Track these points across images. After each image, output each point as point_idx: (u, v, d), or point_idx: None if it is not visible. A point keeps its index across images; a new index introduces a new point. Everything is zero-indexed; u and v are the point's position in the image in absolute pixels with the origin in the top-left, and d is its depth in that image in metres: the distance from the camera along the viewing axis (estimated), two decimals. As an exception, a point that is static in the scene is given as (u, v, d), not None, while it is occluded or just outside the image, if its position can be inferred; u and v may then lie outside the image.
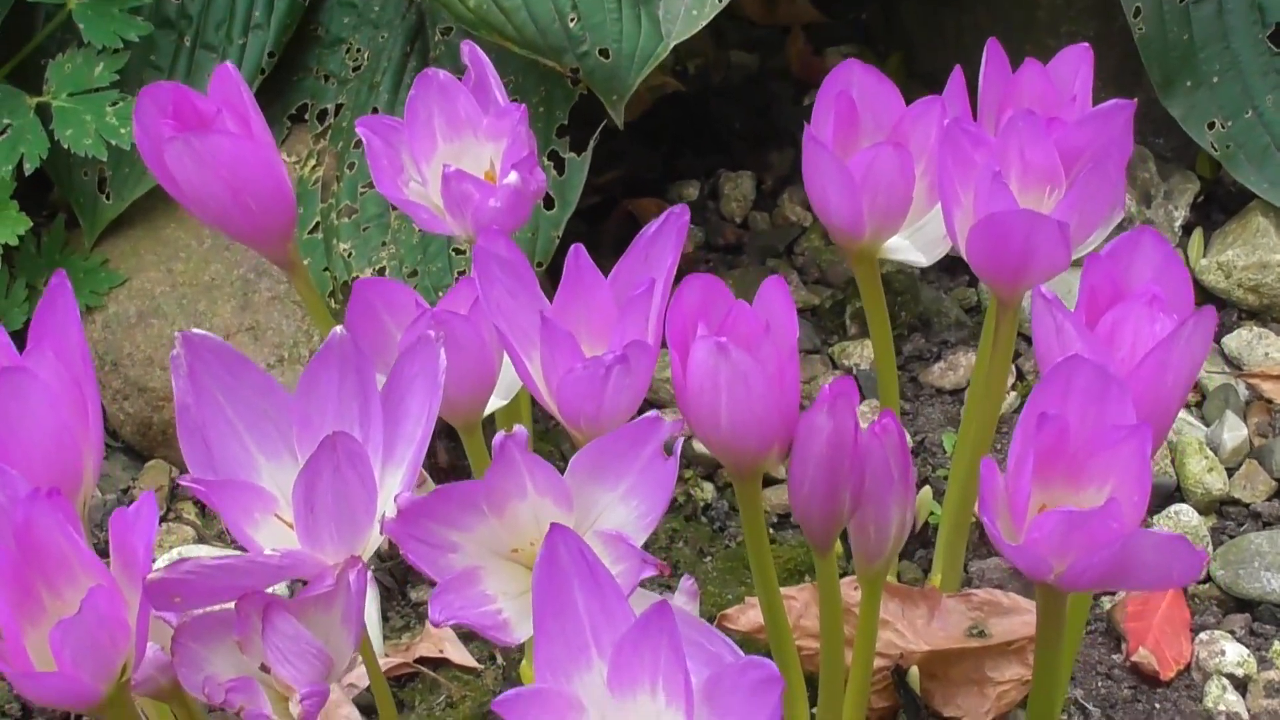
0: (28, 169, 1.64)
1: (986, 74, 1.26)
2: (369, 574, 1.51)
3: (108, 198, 1.73)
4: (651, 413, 1.03)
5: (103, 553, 1.00)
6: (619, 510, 1.04)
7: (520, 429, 1.02)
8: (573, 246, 1.13)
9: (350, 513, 1.01)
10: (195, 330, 1.06)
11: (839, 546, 1.45)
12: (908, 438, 1.60)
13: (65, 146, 1.64)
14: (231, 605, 1.02)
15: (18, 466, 1.00)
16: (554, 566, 0.93)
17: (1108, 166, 1.16)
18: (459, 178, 1.23)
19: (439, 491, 1.03)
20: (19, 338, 1.09)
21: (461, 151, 1.29)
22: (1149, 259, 1.10)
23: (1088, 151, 1.18)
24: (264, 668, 1.02)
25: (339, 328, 1.06)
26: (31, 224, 1.66)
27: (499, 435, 1.01)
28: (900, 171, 1.22)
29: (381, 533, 1.02)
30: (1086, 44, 1.25)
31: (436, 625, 1.03)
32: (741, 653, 0.97)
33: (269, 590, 1.02)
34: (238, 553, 1.02)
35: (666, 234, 1.13)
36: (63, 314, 1.08)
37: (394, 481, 1.04)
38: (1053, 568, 1.01)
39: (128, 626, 0.97)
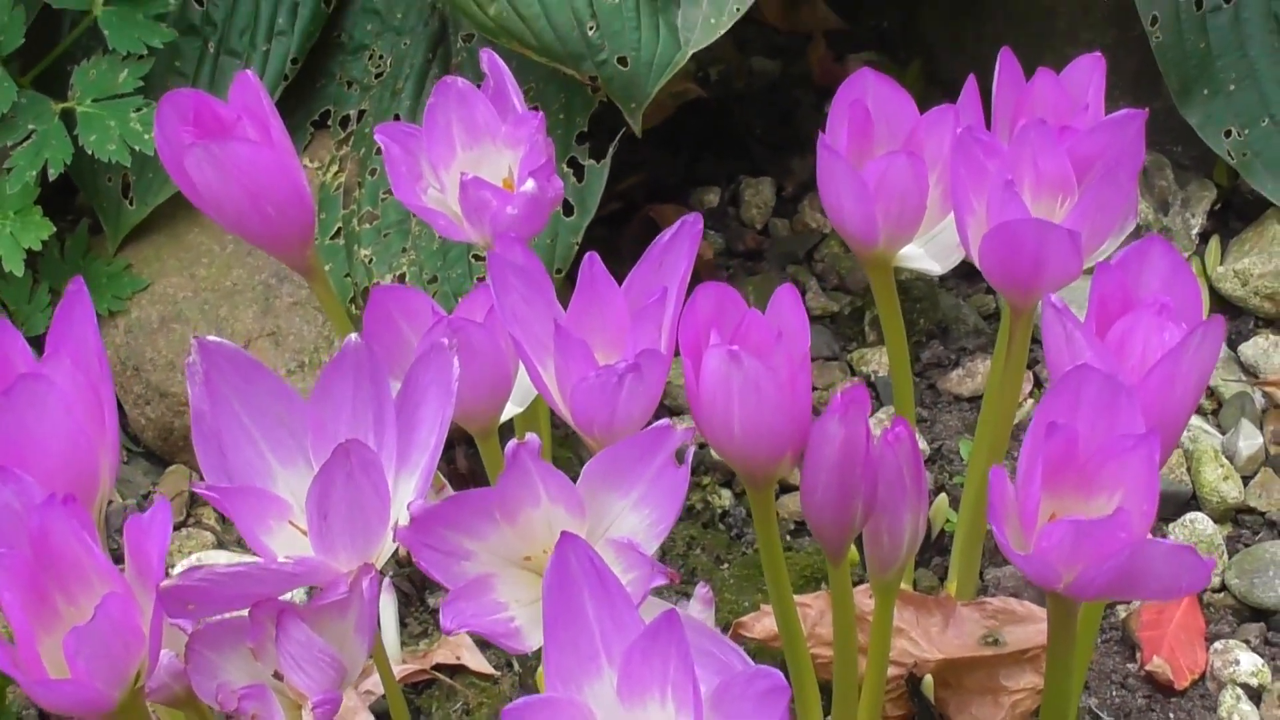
0: (52, 174, 1.65)
1: (1000, 82, 1.26)
2: (387, 580, 1.52)
3: (131, 203, 1.74)
4: (663, 421, 1.04)
5: (120, 558, 1.01)
6: (630, 518, 1.05)
7: (533, 437, 1.02)
8: (587, 255, 1.14)
9: (364, 520, 1.01)
10: (211, 337, 1.06)
11: (854, 554, 1.45)
12: (924, 445, 1.60)
13: (89, 152, 1.65)
14: (245, 612, 1.02)
15: (34, 473, 1.00)
16: (564, 575, 0.94)
17: (1119, 175, 1.17)
18: (477, 185, 1.24)
19: (452, 499, 1.04)
20: (42, 342, 1.10)
21: (480, 159, 1.29)
22: (1158, 268, 1.10)
23: (1100, 160, 1.18)
24: (277, 675, 1.02)
25: (354, 335, 1.06)
26: (55, 229, 1.67)
27: (512, 443, 1.02)
28: (914, 180, 1.22)
29: (394, 540, 1.03)
30: (1099, 53, 1.25)
31: (448, 633, 1.03)
32: (751, 661, 0.98)
33: (283, 597, 1.02)
34: (253, 559, 1.02)
35: (680, 242, 1.13)
36: (80, 320, 1.09)
37: (407, 489, 1.05)
38: (1062, 577, 1.01)
39: (142, 633, 0.98)
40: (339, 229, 1.67)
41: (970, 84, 1.26)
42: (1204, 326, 1.04)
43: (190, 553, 1.58)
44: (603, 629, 0.94)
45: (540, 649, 1.05)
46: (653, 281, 1.13)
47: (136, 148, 1.64)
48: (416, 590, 1.56)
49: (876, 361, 1.71)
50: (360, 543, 1.02)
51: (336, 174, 1.70)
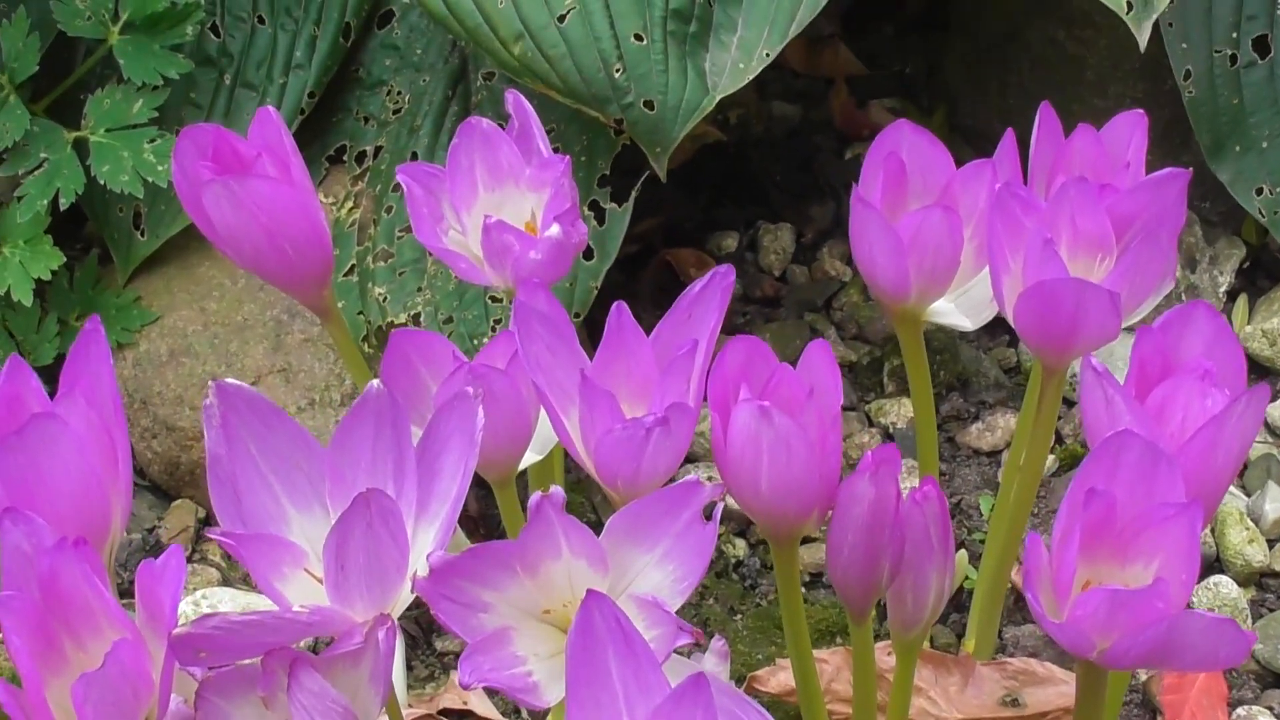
0: (64, 204, 1.63)
1: (1038, 138, 1.25)
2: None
3: (142, 234, 1.72)
4: (691, 476, 1.02)
5: (126, 593, 0.99)
6: (654, 574, 1.03)
7: (557, 490, 1.00)
8: (615, 304, 1.12)
9: (381, 571, 0.99)
10: (229, 380, 1.04)
11: (874, 610, 1.44)
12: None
13: (102, 182, 1.63)
14: (257, 660, 1.00)
15: (45, 514, 0.98)
16: (589, 634, 0.92)
17: (1160, 236, 1.15)
18: (500, 229, 1.22)
19: (471, 551, 1.02)
20: (49, 372, 1.08)
21: (503, 201, 1.28)
22: (1201, 332, 1.08)
23: (1139, 219, 1.17)
24: (289, 725, 1.00)
25: (376, 381, 1.04)
26: (65, 259, 1.66)
27: (535, 496, 1.00)
28: (949, 235, 1.21)
29: (412, 591, 1.01)
30: (1141, 110, 1.23)
31: (465, 688, 1.01)
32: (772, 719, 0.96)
33: (295, 646, 1.01)
34: (264, 603, 1.00)
35: (711, 294, 1.12)
36: (96, 359, 1.07)
37: (426, 539, 1.03)
38: (1096, 645, 0.99)
39: (151, 680, 0.96)
40: (353, 266, 1.65)
41: (1008, 138, 1.25)
42: (1248, 394, 1.02)
43: (195, 589, 1.56)
44: (627, 690, 0.92)
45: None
46: (681, 333, 1.11)
47: (149, 179, 1.63)
48: (424, 634, 1.54)
49: (895, 413, 1.69)
50: (377, 593, 1.00)
51: (351, 210, 1.68)
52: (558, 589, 1.03)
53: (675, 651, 1.01)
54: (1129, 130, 1.24)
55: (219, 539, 1.01)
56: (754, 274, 1.86)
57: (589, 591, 0.92)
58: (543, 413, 1.17)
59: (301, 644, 1.25)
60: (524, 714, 1.46)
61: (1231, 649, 0.96)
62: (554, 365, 1.11)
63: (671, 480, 1.07)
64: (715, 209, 1.93)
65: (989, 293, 1.23)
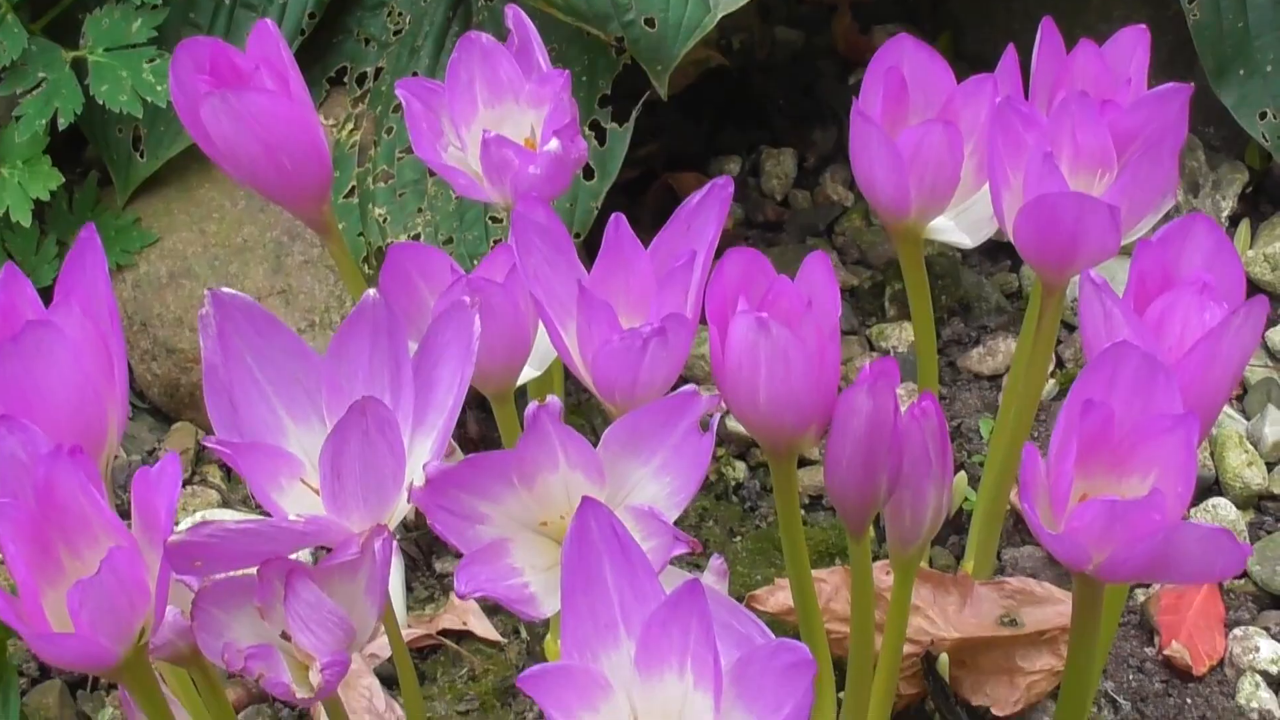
0: (62, 124, 1.63)
1: (1040, 53, 1.24)
2: (395, 544, 1.50)
3: (142, 156, 1.71)
4: (688, 387, 1.01)
5: (125, 514, 0.99)
6: (651, 486, 1.02)
7: (554, 399, 1.00)
8: (613, 216, 1.11)
9: (378, 480, 0.99)
10: (225, 289, 1.04)
11: (871, 530, 1.43)
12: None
13: (100, 103, 1.62)
14: (253, 571, 1.00)
15: (40, 423, 0.98)
16: (585, 542, 0.92)
17: (1161, 151, 1.14)
18: (499, 143, 1.21)
19: (468, 461, 1.02)
20: (48, 295, 1.08)
21: (502, 117, 1.27)
22: (1200, 246, 1.07)
23: (1141, 136, 1.16)
24: (285, 635, 1.00)
25: (372, 291, 1.04)
26: (64, 180, 1.65)
27: (532, 406, 1.00)
28: (949, 150, 1.20)
29: (409, 501, 1.01)
30: (1143, 25, 1.23)
31: (462, 597, 1.01)
32: (772, 635, 0.95)
33: (292, 556, 1.00)
34: (261, 518, 1.00)
35: (709, 206, 1.11)
36: (91, 269, 1.07)
37: (423, 450, 1.03)
38: (1092, 558, 0.99)
39: (147, 589, 0.96)
40: (353, 187, 1.64)
41: (1009, 53, 1.24)
42: (1246, 307, 1.02)
43: (194, 511, 1.56)
44: (622, 597, 0.92)
45: (551, 617, 1.03)
46: (680, 245, 1.11)
47: (148, 99, 1.62)
48: (423, 555, 1.54)
49: (896, 337, 1.68)
50: (374, 503, 1.00)
51: (352, 132, 1.67)
52: (555, 501, 1.03)
53: (676, 568, 1.01)
54: (1131, 46, 1.23)
55: (215, 448, 1.00)
56: (756, 199, 1.85)
57: (584, 499, 0.92)
58: (541, 327, 1.16)
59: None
60: (523, 634, 1.46)
61: (1228, 559, 0.96)
62: (552, 278, 1.11)
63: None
64: (717, 134, 1.92)
65: (989, 210, 1.23)
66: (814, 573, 1.28)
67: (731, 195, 1.12)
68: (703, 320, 1.10)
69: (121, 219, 1.70)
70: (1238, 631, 1.42)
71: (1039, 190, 1.14)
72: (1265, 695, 1.38)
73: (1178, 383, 0.99)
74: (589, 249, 1.16)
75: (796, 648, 0.88)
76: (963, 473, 1.54)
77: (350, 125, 1.68)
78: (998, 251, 1.76)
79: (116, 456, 1.38)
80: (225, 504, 1.59)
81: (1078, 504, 0.99)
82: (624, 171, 1.63)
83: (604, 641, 0.92)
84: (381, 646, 1.44)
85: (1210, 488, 1.54)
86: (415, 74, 1.67)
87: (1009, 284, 1.74)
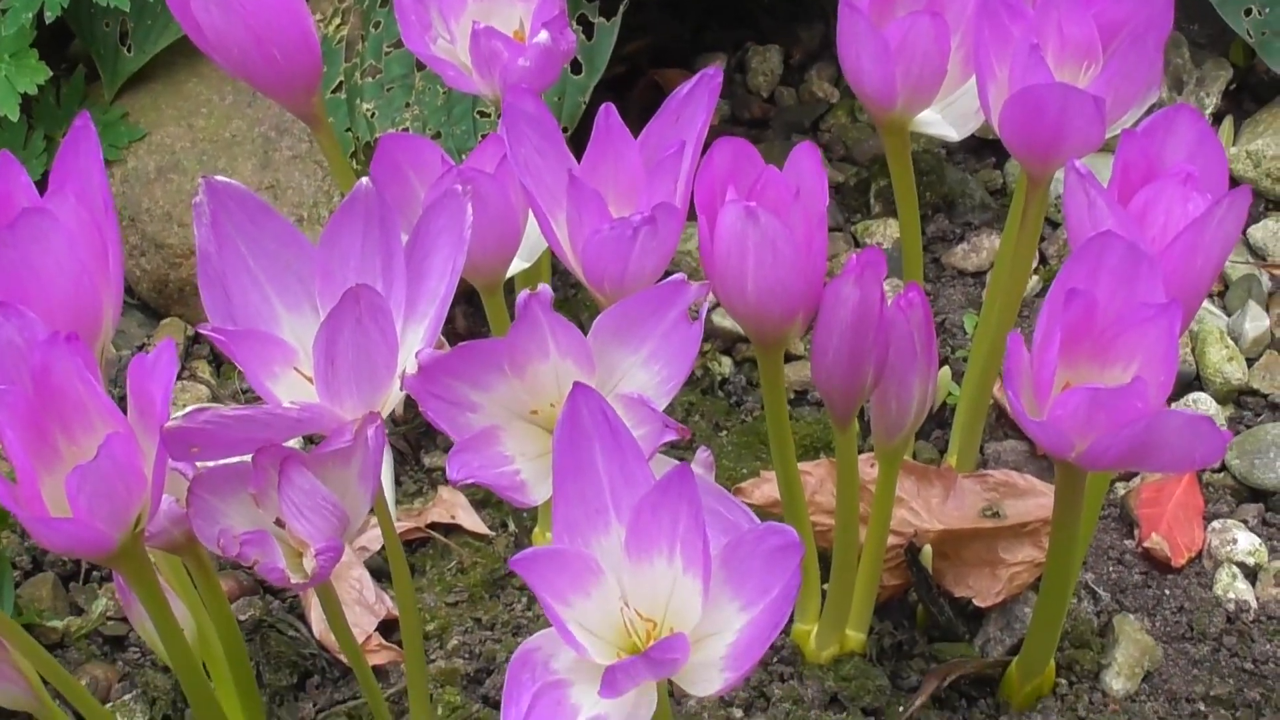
0: (49, 17, 1.62)
1: (1026, -55, 1.24)
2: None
3: (129, 50, 1.71)
4: (677, 275, 1.02)
5: (120, 408, 0.99)
6: (641, 374, 1.03)
7: (545, 288, 1.01)
8: (603, 106, 1.12)
9: (371, 367, 1.00)
10: (219, 177, 1.04)
11: (855, 423, 1.45)
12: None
13: (87, -4, 1.62)
14: (248, 458, 1.01)
15: (36, 310, 0.99)
16: (575, 427, 0.93)
17: (1146, 43, 1.15)
18: (488, 35, 1.21)
19: (460, 349, 1.02)
20: (37, 189, 1.08)
21: (491, 9, 1.27)
22: (1184, 137, 1.08)
23: (1126, 27, 1.17)
24: (279, 522, 1.01)
25: (365, 180, 1.04)
26: (51, 74, 1.65)
27: (523, 294, 1.00)
28: (936, 41, 1.21)
29: (401, 389, 1.02)
30: (1128, -83, 1.23)
31: (454, 483, 1.02)
32: (759, 521, 0.97)
33: (286, 444, 1.01)
34: (256, 404, 1.01)
35: (699, 96, 1.12)
36: (85, 157, 1.07)
37: (415, 338, 1.03)
38: (1074, 445, 1.00)
39: (144, 475, 0.97)
40: (340, 83, 1.64)
41: (996, -55, 1.24)
42: (1229, 197, 1.03)
43: (184, 405, 1.57)
44: (612, 482, 0.93)
45: (538, 510, 1.04)
46: (669, 135, 1.11)
47: (136, -7, 1.62)
48: (412, 449, 1.55)
49: (881, 234, 1.69)
50: (366, 390, 1.01)
51: (339, 26, 1.67)
52: (545, 389, 1.04)
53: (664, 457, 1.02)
54: (1117, -63, 1.23)
55: (210, 335, 1.01)
56: (742, 95, 1.85)
57: (575, 385, 0.93)
58: (531, 219, 1.17)
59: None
60: (511, 527, 1.47)
61: (1208, 446, 0.97)
62: (542, 167, 1.11)
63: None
64: (703, 31, 1.92)
65: (975, 104, 1.23)
66: (799, 465, 1.29)
67: (720, 85, 1.12)
68: (691, 214, 1.10)
69: (109, 114, 1.70)
70: (1216, 524, 1.44)
71: (1024, 82, 1.14)
72: (1241, 586, 1.39)
73: (1161, 272, 1.00)
74: (576, 143, 1.16)
75: (784, 531, 0.90)
76: (946, 368, 1.55)
77: (337, 20, 1.67)
78: (982, 148, 1.77)
79: (110, 347, 1.39)
80: (215, 399, 1.60)
81: (1061, 392, 1.00)
82: (610, 68, 1.63)
83: (594, 526, 0.93)
84: (371, 539, 1.45)
85: (1191, 383, 1.55)
86: (402, -31, 1.66)
87: (993, 180, 1.75)
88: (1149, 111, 1.17)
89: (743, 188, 1.07)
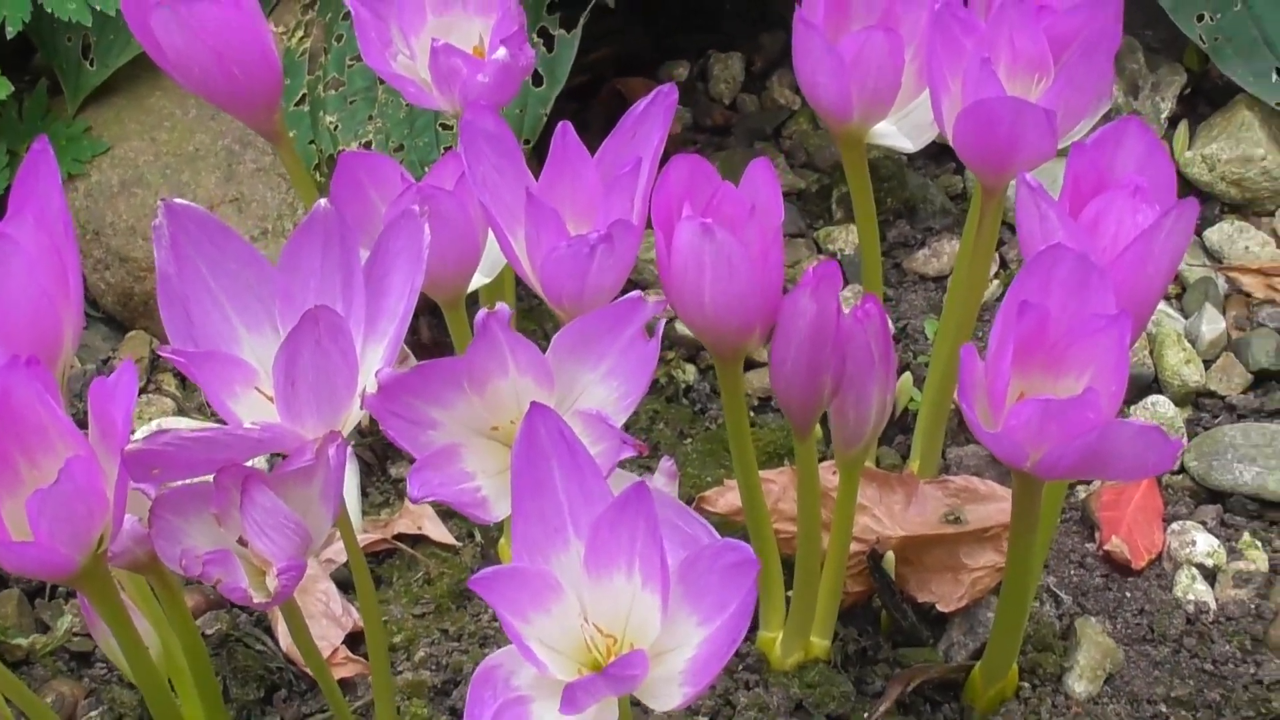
0: (10, 32, 1.62)
1: (978, -42, 1.25)
2: (349, 449, 1.51)
3: (91, 64, 1.71)
4: (634, 293, 1.03)
5: (81, 423, 1.00)
6: (599, 390, 1.04)
7: (503, 306, 1.01)
8: (560, 124, 1.13)
9: (331, 387, 1.00)
10: (178, 200, 1.05)
11: (818, 431, 1.45)
12: (890, 324, 1.60)
13: (49, 10, 1.62)
14: (210, 478, 1.02)
15: (-4, 334, 0.99)
16: (533, 446, 0.94)
17: (1096, 55, 1.16)
18: (447, 52, 1.22)
19: (420, 368, 1.03)
20: (1, 202, 1.08)
21: (450, 25, 1.28)
22: (1133, 149, 1.09)
23: (1077, 40, 1.18)
24: (242, 541, 1.02)
25: (323, 200, 1.05)
26: (13, 88, 1.65)
27: (481, 313, 1.01)
28: (890, 55, 1.22)
29: (362, 408, 1.02)
30: (1078, -70, 1.24)
31: (415, 502, 1.03)
32: (718, 535, 0.98)
33: (248, 464, 1.02)
34: (216, 425, 1.01)
35: (654, 113, 1.12)
36: (45, 180, 1.08)
37: (375, 356, 1.04)
38: (1029, 455, 1.01)
39: (105, 497, 0.97)
40: (303, 95, 1.65)
41: (949, -42, 1.25)
42: (1178, 208, 1.04)
43: (150, 419, 1.57)
44: (571, 500, 0.94)
45: (505, 521, 1.05)
46: (626, 152, 1.12)
47: (97, 7, 1.62)
48: (379, 460, 1.56)
49: (843, 240, 1.70)
50: (327, 409, 1.01)
51: (302, 39, 1.67)
52: (505, 406, 1.04)
53: (626, 470, 1.03)
54: (1068, -50, 1.24)
55: (170, 357, 1.01)
56: (704, 103, 1.86)
57: (533, 404, 0.94)
58: (491, 234, 1.18)
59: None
60: (478, 538, 1.48)
61: (1159, 455, 0.98)
62: (500, 185, 1.12)
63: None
64: (666, 38, 1.93)
65: (930, 115, 1.24)
66: (762, 474, 1.30)
67: (676, 102, 1.13)
68: (650, 225, 1.11)
69: (72, 127, 1.70)
70: (1175, 526, 1.45)
71: (977, 95, 1.15)
72: (1200, 588, 1.41)
73: (1111, 283, 1.01)
74: (539, 155, 1.17)
75: (740, 548, 0.90)
76: (908, 373, 1.56)
77: (300, 32, 1.68)
78: (943, 154, 1.77)
79: (72, 366, 1.39)
80: (180, 411, 1.60)
81: (1015, 403, 1.01)
82: (573, 76, 1.63)
83: (553, 543, 0.94)
84: (338, 552, 1.46)
85: (1149, 385, 1.56)
86: (363, -19, 1.67)
87: (954, 186, 1.76)
88: (1105, 118, 1.18)
89: (698, 204, 1.08)
